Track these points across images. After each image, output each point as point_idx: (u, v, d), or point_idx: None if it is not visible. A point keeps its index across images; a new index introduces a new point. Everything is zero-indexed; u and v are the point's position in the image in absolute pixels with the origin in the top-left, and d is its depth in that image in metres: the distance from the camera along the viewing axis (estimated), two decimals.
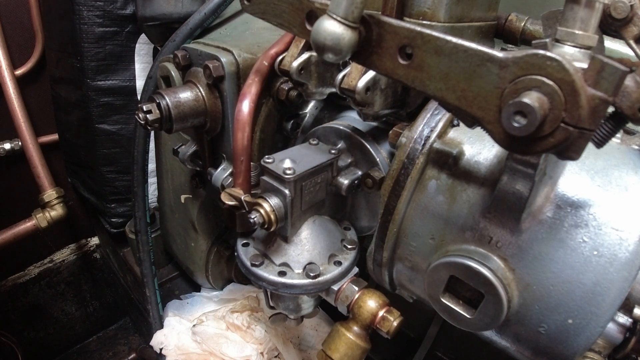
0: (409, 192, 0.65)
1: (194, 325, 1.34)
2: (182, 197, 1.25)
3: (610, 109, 0.43)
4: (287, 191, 0.73)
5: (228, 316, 1.35)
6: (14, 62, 1.67)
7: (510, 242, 0.57)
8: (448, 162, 0.62)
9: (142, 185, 1.24)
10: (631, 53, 0.62)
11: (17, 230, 1.71)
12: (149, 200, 1.31)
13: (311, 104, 1.00)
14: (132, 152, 1.20)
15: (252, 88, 0.80)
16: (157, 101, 0.83)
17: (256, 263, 0.79)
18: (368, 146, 0.82)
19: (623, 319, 0.57)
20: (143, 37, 1.43)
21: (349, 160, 0.85)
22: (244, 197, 0.79)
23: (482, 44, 0.42)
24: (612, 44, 0.77)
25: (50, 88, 1.66)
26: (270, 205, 0.73)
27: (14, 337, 1.93)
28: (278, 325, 1.25)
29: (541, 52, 0.38)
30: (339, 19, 0.47)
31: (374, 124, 0.88)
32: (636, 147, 0.61)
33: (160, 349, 1.30)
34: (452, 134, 0.65)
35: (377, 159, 0.81)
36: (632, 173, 0.56)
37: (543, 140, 0.39)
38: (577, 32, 0.44)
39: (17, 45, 1.68)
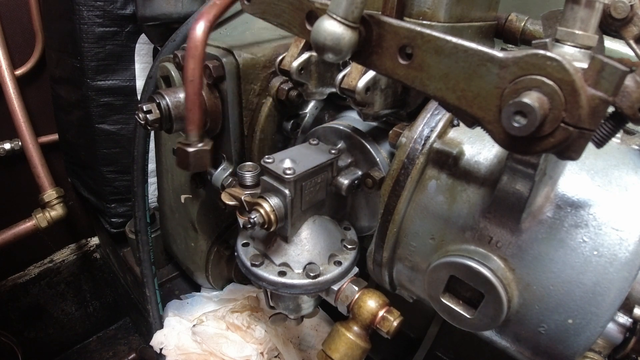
0: (409, 192, 0.65)
1: (194, 325, 1.34)
2: (182, 197, 1.25)
3: (610, 109, 0.43)
4: (287, 191, 0.73)
5: (228, 316, 1.35)
6: (14, 62, 1.67)
7: (510, 242, 0.57)
8: (448, 162, 0.62)
9: (142, 185, 1.24)
10: (631, 53, 0.62)
11: (17, 230, 1.71)
12: (149, 200, 1.31)
13: (311, 104, 1.00)
14: (132, 152, 1.20)
15: (212, 9, 0.72)
16: (157, 101, 0.83)
17: (256, 263, 0.79)
18: (368, 146, 0.82)
19: (623, 319, 0.57)
20: (143, 37, 1.43)
21: (349, 160, 0.85)
22: (244, 197, 0.79)
23: (482, 44, 0.42)
24: (612, 44, 0.77)
25: (50, 88, 1.66)
26: (270, 205, 0.73)
27: (14, 337, 1.93)
28: (278, 325, 1.25)
29: (541, 52, 0.38)
30: (339, 19, 0.47)
31: (374, 124, 0.88)
32: (636, 147, 0.61)
33: (160, 349, 1.30)
34: (452, 134, 0.65)
35: (377, 159, 0.81)
36: (632, 173, 0.56)
37: (543, 140, 0.39)
38: (577, 32, 0.44)
39: (17, 45, 1.68)
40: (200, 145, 0.75)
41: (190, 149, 0.75)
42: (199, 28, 0.72)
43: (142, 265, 1.34)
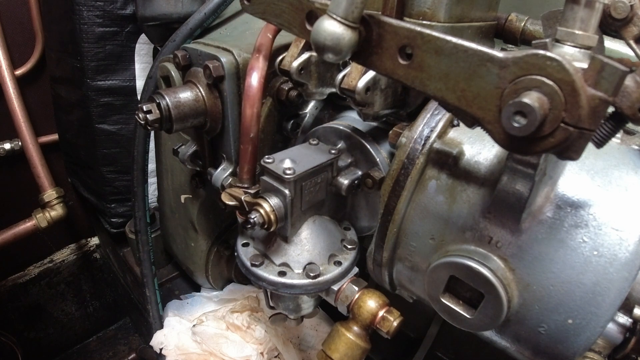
0: (409, 192, 0.65)
1: (194, 325, 1.34)
2: (182, 197, 1.25)
3: (610, 109, 0.43)
4: (287, 191, 0.73)
5: (228, 316, 1.35)
6: (14, 62, 1.67)
7: (510, 242, 0.57)
8: (448, 162, 0.62)
9: (142, 185, 1.24)
10: (631, 53, 0.62)
11: (17, 230, 1.71)
12: (149, 200, 1.31)
13: (311, 104, 1.00)
14: (132, 152, 1.20)
15: (259, 62, 0.79)
16: (157, 101, 0.83)
17: (256, 263, 0.79)
18: (368, 146, 0.82)
19: (623, 319, 0.57)
20: (143, 37, 1.43)
21: (349, 160, 0.85)
22: (244, 197, 0.79)
23: (482, 44, 0.42)
24: (612, 44, 0.77)
25: (50, 88, 1.66)
26: (270, 205, 0.73)
27: (14, 337, 1.93)
28: (278, 325, 1.25)
29: (541, 52, 0.38)
30: (339, 19, 0.47)
31: (374, 124, 0.88)
32: (636, 147, 0.61)
33: (160, 349, 1.30)
34: (452, 134, 0.65)
35: (377, 159, 0.81)
36: (632, 173, 0.56)
37: (543, 140, 0.39)
38: (577, 32, 0.44)
39: (17, 45, 1.68)
40: (252, 190, 0.82)
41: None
42: (254, 81, 0.78)
43: (142, 265, 1.34)
